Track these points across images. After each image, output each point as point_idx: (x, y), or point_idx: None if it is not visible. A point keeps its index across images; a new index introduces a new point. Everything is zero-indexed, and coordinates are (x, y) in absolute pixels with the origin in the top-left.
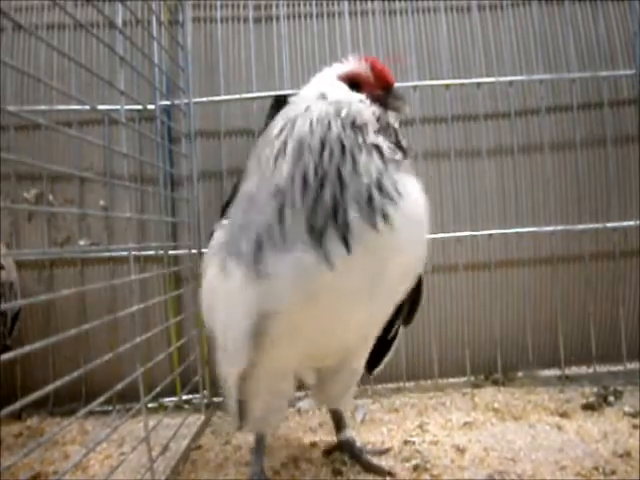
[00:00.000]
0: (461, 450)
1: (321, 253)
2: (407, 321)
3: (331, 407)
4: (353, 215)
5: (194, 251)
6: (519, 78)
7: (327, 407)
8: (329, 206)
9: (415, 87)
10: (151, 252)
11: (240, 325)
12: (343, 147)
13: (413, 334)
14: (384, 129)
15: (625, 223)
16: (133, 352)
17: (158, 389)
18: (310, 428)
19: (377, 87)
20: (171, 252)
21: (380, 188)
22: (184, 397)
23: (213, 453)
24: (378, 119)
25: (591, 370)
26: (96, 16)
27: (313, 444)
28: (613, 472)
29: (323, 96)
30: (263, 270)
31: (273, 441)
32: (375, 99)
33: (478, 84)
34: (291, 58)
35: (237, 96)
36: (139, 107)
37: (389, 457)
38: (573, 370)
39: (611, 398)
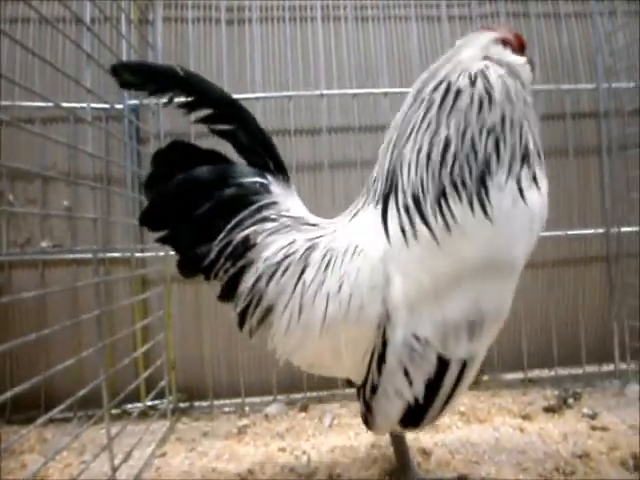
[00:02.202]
0: (427, 453)
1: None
2: None
3: None
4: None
5: (161, 253)
6: None
7: None
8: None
9: (385, 94)
10: (117, 254)
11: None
12: (525, 99)
13: None
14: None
15: (585, 231)
16: (96, 357)
17: (122, 395)
18: (277, 433)
19: (518, 50)
20: (138, 254)
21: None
22: (149, 403)
23: (178, 460)
24: None
25: (553, 373)
26: (62, 11)
27: (281, 449)
28: (573, 473)
29: (489, 57)
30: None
31: (239, 447)
32: None
33: None
34: (263, 61)
35: None
36: (106, 106)
37: (357, 460)
38: (536, 373)
39: (571, 400)
